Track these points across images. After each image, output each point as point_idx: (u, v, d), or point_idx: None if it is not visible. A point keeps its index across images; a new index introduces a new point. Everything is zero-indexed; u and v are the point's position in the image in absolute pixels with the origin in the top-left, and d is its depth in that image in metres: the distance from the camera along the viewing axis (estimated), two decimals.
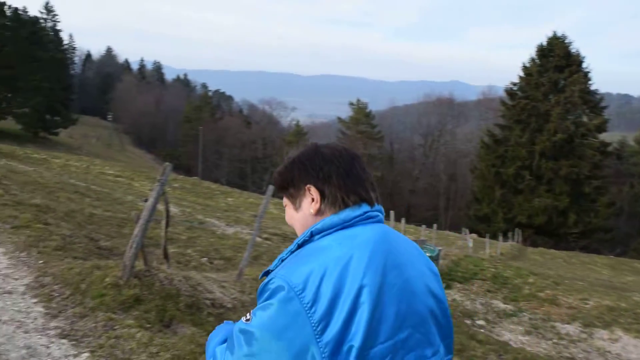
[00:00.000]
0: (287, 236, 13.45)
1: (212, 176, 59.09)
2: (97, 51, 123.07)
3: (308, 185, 1.33)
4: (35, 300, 4.68)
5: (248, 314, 1.21)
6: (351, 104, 66.79)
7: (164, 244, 5.75)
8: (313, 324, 1.12)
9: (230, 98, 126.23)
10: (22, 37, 54.01)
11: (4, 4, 55.16)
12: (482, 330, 9.88)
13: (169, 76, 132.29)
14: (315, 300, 1.14)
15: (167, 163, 4.88)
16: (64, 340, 4.02)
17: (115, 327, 4.26)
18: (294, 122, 79.55)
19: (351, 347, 1.12)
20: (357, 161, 1.37)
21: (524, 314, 11.14)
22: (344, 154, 1.37)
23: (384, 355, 1.16)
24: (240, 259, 8.09)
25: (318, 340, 1.12)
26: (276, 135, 76.88)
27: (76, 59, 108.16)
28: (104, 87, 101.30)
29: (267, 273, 1.31)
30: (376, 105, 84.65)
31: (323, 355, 1.11)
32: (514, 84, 47.51)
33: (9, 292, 4.77)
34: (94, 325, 4.28)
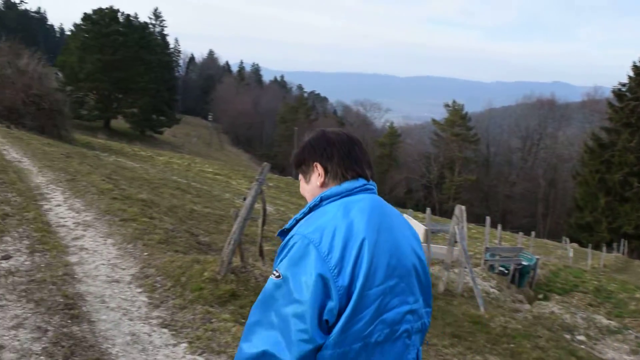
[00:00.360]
0: None
1: None
2: (200, 54, 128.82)
3: (315, 163, 1.65)
4: (139, 290, 4.95)
5: (275, 272, 1.47)
6: (446, 105, 65.31)
7: (260, 241, 5.90)
8: (330, 269, 1.41)
9: (325, 99, 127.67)
10: (133, 41, 57.57)
11: (117, 11, 59.04)
12: (582, 347, 9.32)
13: (267, 78, 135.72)
14: (330, 250, 1.42)
15: (265, 163, 5.00)
16: (164, 330, 4.22)
17: (212, 320, 4.41)
18: (388, 124, 78.95)
19: (355, 286, 1.42)
20: (356, 144, 1.68)
21: (630, 331, 10.41)
22: (344, 138, 1.67)
23: (377, 297, 1.45)
24: None
25: (335, 280, 1.40)
26: (369, 136, 76.67)
27: (180, 62, 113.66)
28: (205, 89, 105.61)
29: (282, 232, 1.61)
30: (472, 106, 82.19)
31: (340, 292, 1.40)
32: (623, 85, 44.42)
33: (117, 281, 5.08)
34: (192, 317, 4.46)
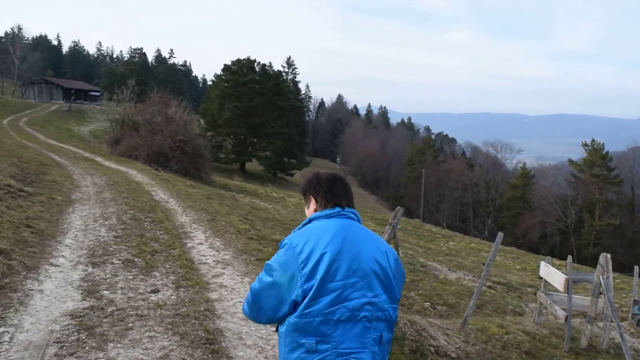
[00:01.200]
0: (512, 285, 12.70)
1: (433, 219, 58.89)
2: (329, 99, 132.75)
3: (310, 195, 2.45)
4: (273, 328, 5.09)
5: (270, 261, 2.24)
6: (584, 144, 61.12)
7: None
8: (299, 263, 2.12)
9: (453, 140, 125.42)
10: (267, 89, 60.92)
11: (254, 61, 62.96)
12: None
13: (394, 120, 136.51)
14: (301, 252, 2.14)
15: (398, 207, 5.01)
16: None
17: None
18: (520, 165, 75.51)
19: (316, 279, 2.09)
20: (338, 182, 2.45)
21: None
22: (329, 178, 2.47)
23: (337, 288, 2.11)
24: (465, 307, 7.85)
25: (300, 271, 2.11)
26: (501, 178, 73.76)
27: (311, 107, 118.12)
28: (334, 132, 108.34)
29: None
30: (613, 145, 76.19)
31: (302, 280, 2.10)
32: None
33: None
34: None
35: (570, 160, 64.81)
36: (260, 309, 2.24)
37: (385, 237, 5.00)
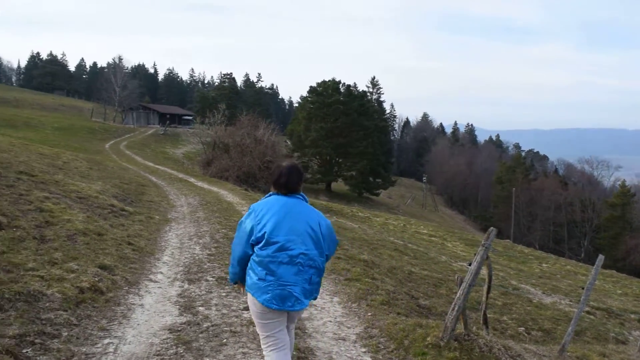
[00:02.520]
0: (613, 311, 11.93)
1: (524, 239, 56.60)
2: (414, 117, 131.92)
3: (272, 179, 3.68)
4: (364, 349, 5.07)
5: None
6: None
7: (484, 309, 5.67)
8: (256, 221, 3.48)
9: (544, 158, 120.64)
10: (352, 109, 61.39)
11: (339, 82, 63.76)
12: None
13: (481, 138, 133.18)
14: (257, 214, 3.51)
15: (491, 228, 4.86)
16: None
17: None
18: (619, 182, 71.22)
19: (265, 232, 3.43)
20: (293, 172, 3.63)
21: None
22: (284, 170, 3.63)
23: (280, 241, 3.41)
24: (562, 333, 7.47)
25: (256, 226, 3.47)
26: (597, 197, 69.88)
27: (396, 126, 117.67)
28: (419, 151, 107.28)
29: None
30: None
31: (256, 231, 3.46)
32: None
33: (343, 339, 5.28)
34: None
35: None
36: (236, 245, 3.62)
37: (477, 259, 4.86)
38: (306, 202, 3.69)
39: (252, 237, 3.46)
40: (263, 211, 3.50)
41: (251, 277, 3.48)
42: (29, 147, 21.94)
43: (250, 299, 3.56)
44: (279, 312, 3.50)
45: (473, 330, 5.45)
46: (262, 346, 3.64)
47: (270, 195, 3.63)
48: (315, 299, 3.67)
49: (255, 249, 3.46)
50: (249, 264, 3.52)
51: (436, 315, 7.07)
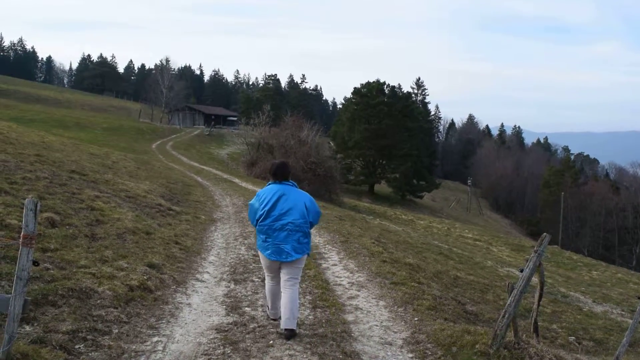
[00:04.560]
0: None
1: (572, 245, 54.96)
2: (459, 119, 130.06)
3: (270, 173, 5.44)
4: (411, 355, 4.98)
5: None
6: None
7: (534, 316, 5.51)
8: (260, 203, 5.25)
9: (595, 161, 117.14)
10: (397, 111, 60.97)
11: (383, 83, 63.45)
12: None
13: (528, 140, 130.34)
14: (260, 197, 5.28)
15: (545, 234, 4.72)
16: None
17: None
18: None
19: (265, 210, 5.18)
20: (281, 166, 5.37)
21: None
22: (275, 165, 5.41)
23: (275, 214, 5.16)
24: (615, 344, 7.20)
25: (260, 205, 5.24)
26: None
27: (440, 128, 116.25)
28: (464, 153, 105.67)
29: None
30: None
31: (260, 208, 5.23)
32: None
33: (389, 344, 5.20)
34: None
35: None
36: (250, 216, 5.40)
37: (530, 265, 4.72)
38: (295, 187, 5.36)
39: (259, 213, 5.19)
40: (264, 195, 5.23)
41: (258, 240, 5.31)
42: (79, 146, 22.63)
43: (260, 254, 5.33)
44: (276, 262, 5.20)
45: (524, 338, 5.30)
46: (265, 280, 5.53)
47: (270, 184, 5.33)
48: (308, 255, 5.35)
49: (259, 221, 5.19)
50: (256, 231, 5.33)
51: (484, 321, 6.92)
